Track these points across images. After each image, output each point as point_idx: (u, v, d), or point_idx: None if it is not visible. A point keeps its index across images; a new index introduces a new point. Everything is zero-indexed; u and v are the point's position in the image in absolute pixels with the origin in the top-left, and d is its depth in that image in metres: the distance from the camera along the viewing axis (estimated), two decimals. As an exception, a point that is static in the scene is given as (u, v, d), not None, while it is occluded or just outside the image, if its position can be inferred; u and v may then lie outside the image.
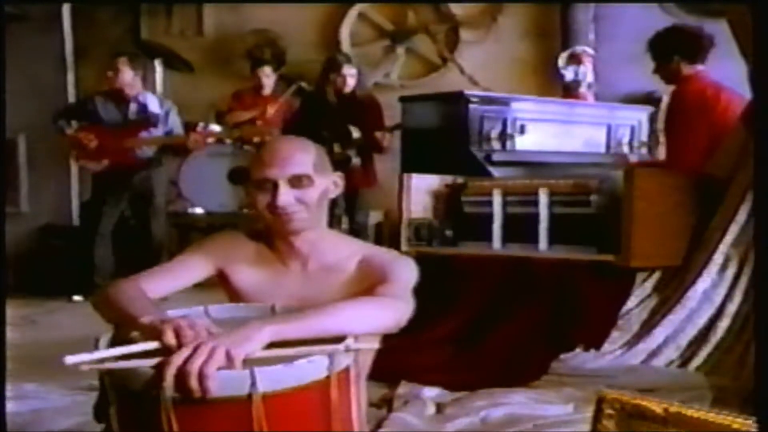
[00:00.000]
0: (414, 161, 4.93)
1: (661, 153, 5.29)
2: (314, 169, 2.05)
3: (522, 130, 4.88)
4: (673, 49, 4.34)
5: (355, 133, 5.88)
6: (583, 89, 5.67)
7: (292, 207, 2.03)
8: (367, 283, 1.98)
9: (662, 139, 4.88)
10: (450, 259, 4.39)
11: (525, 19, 7.53)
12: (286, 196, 2.02)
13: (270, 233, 2.12)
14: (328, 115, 5.92)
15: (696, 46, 4.34)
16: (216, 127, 6.83)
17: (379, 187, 6.21)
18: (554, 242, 4.17)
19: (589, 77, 5.74)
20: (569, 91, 6.28)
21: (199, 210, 6.73)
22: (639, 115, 5.67)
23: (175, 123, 6.16)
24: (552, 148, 5.13)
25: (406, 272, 2.02)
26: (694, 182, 4.07)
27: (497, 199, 4.35)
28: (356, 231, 5.97)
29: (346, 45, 7.75)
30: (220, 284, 2.17)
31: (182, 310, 1.88)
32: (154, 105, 6.03)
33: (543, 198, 4.19)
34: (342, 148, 5.88)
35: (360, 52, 7.78)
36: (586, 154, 5.23)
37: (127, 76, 5.99)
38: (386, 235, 7.23)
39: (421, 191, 4.59)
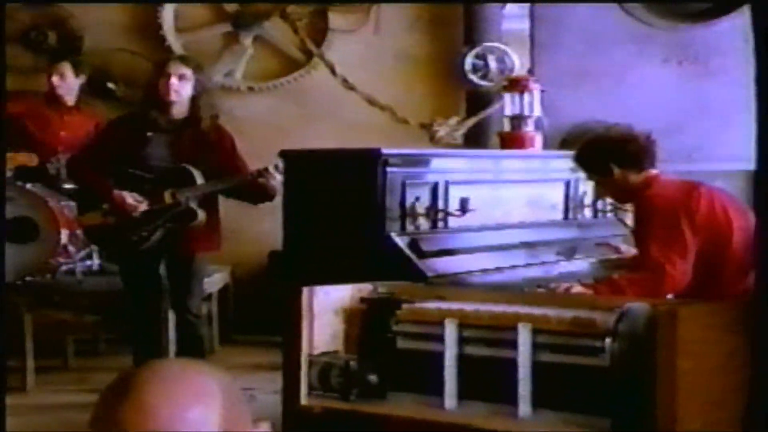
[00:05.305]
0: (302, 255, 3.41)
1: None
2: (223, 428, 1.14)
3: (464, 207, 3.41)
4: (606, 159, 3.54)
5: (199, 179, 4.22)
6: (529, 128, 4.25)
7: None
8: None
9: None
10: (377, 422, 2.95)
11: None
12: None
13: None
14: (149, 147, 4.23)
15: (636, 152, 3.57)
16: None
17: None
18: (541, 405, 2.78)
19: (537, 110, 4.33)
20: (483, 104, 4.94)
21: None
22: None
23: None
24: (497, 219, 3.71)
25: None
26: (745, 313, 2.77)
27: (451, 335, 2.89)
28: (192, 332, 4.37)
29: (168, 30, 5.96)
30: None
31: None
32: None
33: (524, 338, 2.78)
34: (174, 197, 4.19)
35: (190, 40, 6.01)
36: (545, 226, 3.86)
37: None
38: (233, 301, 5.69)
39: (327, 311, 3.08)
